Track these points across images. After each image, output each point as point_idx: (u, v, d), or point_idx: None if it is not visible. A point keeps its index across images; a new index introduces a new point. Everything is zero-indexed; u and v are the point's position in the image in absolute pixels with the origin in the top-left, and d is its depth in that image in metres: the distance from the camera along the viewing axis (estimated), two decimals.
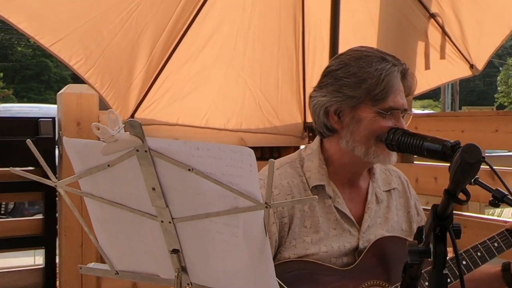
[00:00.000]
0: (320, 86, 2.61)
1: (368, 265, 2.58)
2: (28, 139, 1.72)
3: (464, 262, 2.61)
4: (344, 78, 2.52)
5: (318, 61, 4.79)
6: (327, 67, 2.63)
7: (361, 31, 4.62)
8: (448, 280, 2.46)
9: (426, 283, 2.44)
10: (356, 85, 2.50)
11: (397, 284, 2.13)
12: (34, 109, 15.40)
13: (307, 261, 2.51)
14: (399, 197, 2.85)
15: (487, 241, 2.68)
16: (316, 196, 1.80)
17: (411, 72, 2.61)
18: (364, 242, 2.62)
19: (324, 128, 2.60)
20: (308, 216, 2.57)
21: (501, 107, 51.55)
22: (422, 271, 2.28)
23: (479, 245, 2.67)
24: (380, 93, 2.48)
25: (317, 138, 2.71)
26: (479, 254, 2.65)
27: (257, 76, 4.62)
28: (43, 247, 4.15)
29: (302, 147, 2.96)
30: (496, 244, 2.67)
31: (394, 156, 2.55)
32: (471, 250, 2.65)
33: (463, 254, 2.62)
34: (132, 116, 4.08)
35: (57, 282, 4.19)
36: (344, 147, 2.56)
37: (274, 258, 2.49)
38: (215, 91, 4.47)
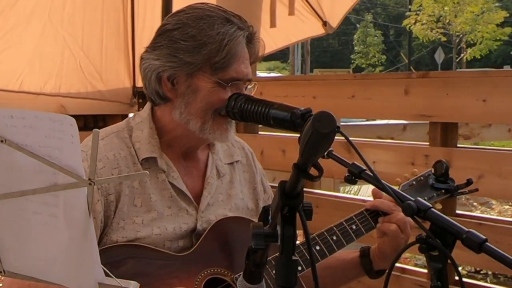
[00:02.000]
0: (153, 47, 2.59)
1: (208, 250, 2.60)
2: None
3: (317, 247, 2.65)
4: (181, 40, 2.50)
5: (150, 15, 4.80)
6: (163, 25, 2.60)
7: None
8: (300, 268, 2.50)
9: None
10: (195, 50, 2.48)
11: (241, 273, 2.14)
12: None
13: (137, 246, 2.50)
14: (243, 171, 2.88)
15: (344, 223, 2.73)
16: (147, 172, 1.77)
17: (258, 35, 2.62)
18: (203, 223, 2.64)
19: (156, 96, 2.60)
20: (138, 193, 2.56)
21: (358, 69, 53.24)
22: (269, 258, 2.35)
23: (334, 228, 2.71)
24: (221, 61, 2.48)
25: (148, 105, 2.70)
26: (334, 238, 2.69)
27: (78, 33, 4.59)
28: None
29: (131, 115, 2.98)
30: (354, 227, 2.73)
31: (231, 133, 2.58)
32: (326, 234, 2.69)
33: (316, 238, 2.66)
34: None
35: None
36: (177, 118, 2.57)
37: (100, 242, 2.47)
38: (30, 50, 4.41)
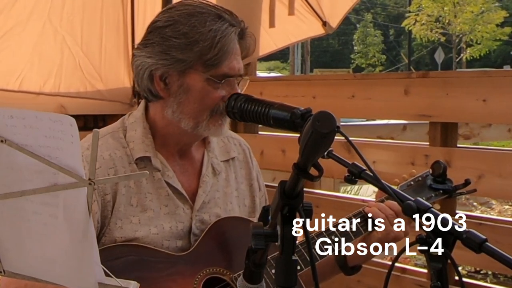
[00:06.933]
0: (144, 44, 2.60)
1: (206, 250, 2.61)
2: None
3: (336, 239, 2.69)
4: (173, 38, 2.51)
5: (149, 15, 4.80)
6: (153, 22, 2.62)
7: None
8: (298, 268, 2.47)
9: (274, 271, 2.43)
10: (187, 47, 2.49)
11: (240, 272, 2.18)
12: None
13: (136, 245, 2.52)
14: (240, 168, 2.89)
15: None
16: (147, 172, 1.78)
17: (249, 31, 2.62)
18: (196, 222, 2.65)
19: (148, 93, 2.61)
20: (134, 192, 2.57)
21: (358, 69, 53.23)
22: (269, 257, 2.36)
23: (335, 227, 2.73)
24: (213, 58, 2.48)
25: (142, 104, 2.72)
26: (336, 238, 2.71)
27: (77, 32, 4.59)
28: None
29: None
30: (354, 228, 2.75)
31: (225, 127, 2.58)
32: (325, 233, 2.71)
33: (315, 237, 2.68)
34: None
35: None
36: (169, 117, 2.59)
37: (98, 242, 2.42)
38: (29, 49, 4.41)
